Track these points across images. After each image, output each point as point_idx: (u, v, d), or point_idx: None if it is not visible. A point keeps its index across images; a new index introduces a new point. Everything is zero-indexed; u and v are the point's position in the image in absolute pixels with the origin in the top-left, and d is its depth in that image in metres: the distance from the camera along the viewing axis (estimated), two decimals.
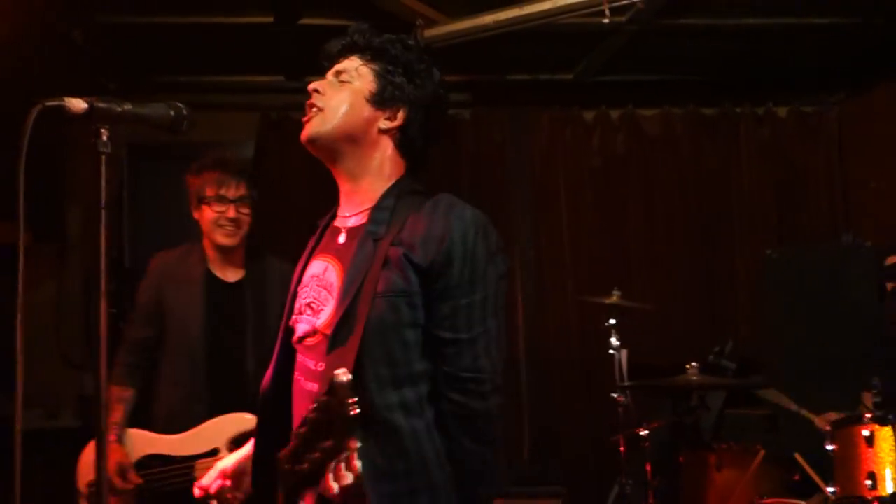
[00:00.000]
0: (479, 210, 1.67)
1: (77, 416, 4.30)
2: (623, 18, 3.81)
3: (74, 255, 4.36)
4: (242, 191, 2.91)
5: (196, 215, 2.97)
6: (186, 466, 2.79)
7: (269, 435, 1.75)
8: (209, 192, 2.90)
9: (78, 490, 2.91)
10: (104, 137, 1.29)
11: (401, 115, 1.73)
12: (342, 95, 1.72)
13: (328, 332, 1.63)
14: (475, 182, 4.79)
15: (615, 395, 3.65)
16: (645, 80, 4.86)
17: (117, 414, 2.90)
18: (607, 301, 3.78)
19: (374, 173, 1.74)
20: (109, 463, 2.76)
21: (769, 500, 3.03)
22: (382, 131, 1.73)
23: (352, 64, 1.74)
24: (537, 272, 4.77)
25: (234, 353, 2.93)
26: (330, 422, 1.17)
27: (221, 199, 2.90)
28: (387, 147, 1.74)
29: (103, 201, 1.27)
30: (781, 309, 4.11)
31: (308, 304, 1.72)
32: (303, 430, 1.46)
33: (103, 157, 1.28)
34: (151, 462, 2.84)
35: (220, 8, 3.86)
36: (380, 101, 1.72)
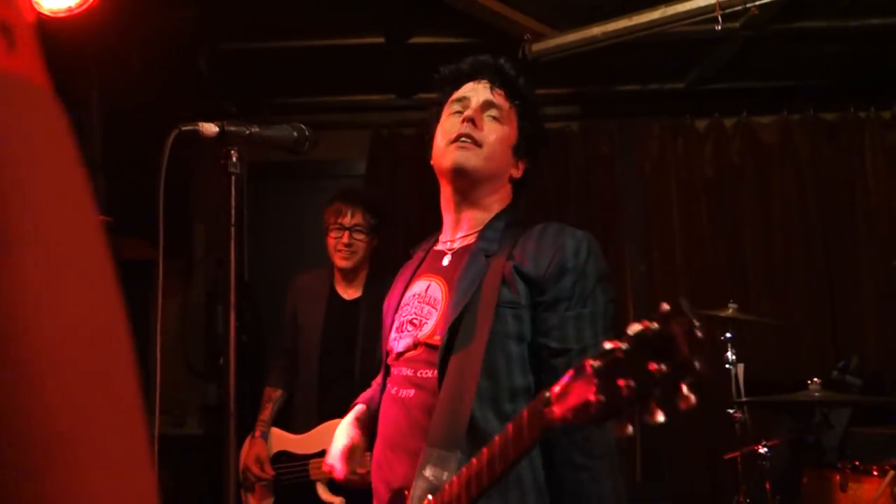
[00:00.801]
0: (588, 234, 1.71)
1: (200, 425, 4.49)
2: (736, 24, 3.72)
3: (199, 271, 4.58)
4: (358, 219, 3.26)
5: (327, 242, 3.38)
6: (303, 464, 3.16)
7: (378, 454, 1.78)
8: (330, 220, 3.29)
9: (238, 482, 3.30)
10: (234, 159, 1.37)
11: (522, 167, 1.82)
12: (499, 136, 1.77)
13: (432, 341, 1.66)
14: (584, 195, 4.76)
15: (731, 411, 3.55)
16: (760, 86, 4.72)
17: (266, 412, 3.35)
18: (722, 314, 3.68)
19: (487, 207, 1.80)
20: (250, 455, 3.26)
21: None
22: (509, 179, 1.81)
23: (503, 102, 1.79)
24: (649, 285, 4.69)
25: (345, 363, 3.25)
26: (669, 343, 0.98)
27: (339, 227, 3.26)
28: (507, 190, 1.83)
29: (234, 220, 1.34)
30: None
31: (409, 322, 1.76)
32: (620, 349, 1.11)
33: (233, 177, 1.36)
34: (281, 457, 3.23)
35: (333, 30, 3.99)
36: (518, 152, 1.80)
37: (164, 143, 1.27)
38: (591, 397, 1.06)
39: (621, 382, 1.02)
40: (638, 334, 1.04)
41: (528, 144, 1.81)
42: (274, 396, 3.38)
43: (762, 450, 3.31)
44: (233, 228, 1.31)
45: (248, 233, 4.64)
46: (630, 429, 1.05)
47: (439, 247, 1.84)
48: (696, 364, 0.97)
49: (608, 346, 1.07)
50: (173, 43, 3.57)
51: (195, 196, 4.39)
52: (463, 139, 1.74)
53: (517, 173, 1.81)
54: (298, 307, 3.38)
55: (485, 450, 1.36)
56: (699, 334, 0.99)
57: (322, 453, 3.02)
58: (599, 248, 1.69)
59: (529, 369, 1.63)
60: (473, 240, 1.76)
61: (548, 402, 1.20)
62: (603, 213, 4.74)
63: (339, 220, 3.25)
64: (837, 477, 3.13)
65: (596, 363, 1.08)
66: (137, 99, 3.42)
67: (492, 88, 1.80)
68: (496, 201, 1.80)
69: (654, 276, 4.70)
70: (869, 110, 4.67)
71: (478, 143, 1.74)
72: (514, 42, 3.78)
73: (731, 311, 3.67)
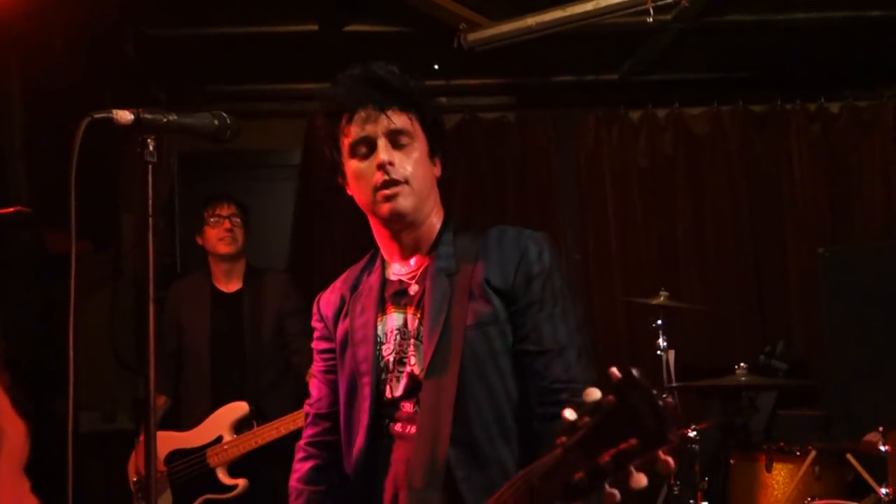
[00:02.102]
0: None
1: (133, 419, 4.41)
2: (668, 17, 3.78)
3: (128, 262, 4.48)
4: (233, 209, 3.55)
5: (199, 240, 3.60)
6: (199, 455, 3.27)
7: (370, 497, 1.70)
8: (207, 215, 3.54)
9: (130, 489, 3.27)
10: (151, 147, 1.34)
11: (439, 162, 1.76)
12: (414, 160, 1.68)
13: (420, 373, 1.63)
14: (520, 185, 4.80)
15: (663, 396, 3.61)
16: (692, 78, 4.81)
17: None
18: (654, 302, 3.75)
19: (429, 220, 1.74)
20: (139, 462, 3.27)
21: (821, 502, 2.97)
22: (436, 175, 1.76)
23: (403, 122, 1.67)
24: (584, 273, 4.76)
25: (236, 353, 3.46)
26: (633, 417, 0.96)
27: (218, 217, 3.52)
28: (436, 194, 1.77)
29: (150, 210, 1.31)
30: (835, 309, 4.03)
31: (398, 361, 1.69)
32: (584, 422, 1.07)
33: (150, 166, 1.33)
34: (175, 456, 3.31)
35: (267, 17, 3.94)
36: (433, 155, 1.74)
37: (76, 132, 1.24)
38: (577, 476, 1.03)
39: (602, 458, 0.99)
40: (598, 406, 1.02)
41: (437, 139, 1.75)
42: (158, 404, 3.44)
43: (692, 433, 3.39)
44: (150, 219, 1.29)
45: (181, 223, 4.56)
46: (618, 496, 1.03)
47: (394, 276, 1.75)
48: (669, 435, 0.96)
49: (572, 416, 1.05)
50: (98, 27, 3.47)
51: (123, 187, 4.29)
52: (387, 185, 1.65)
53: (438, 172, 1.77)
54: (182, 309, 3.55)
55: None
56: (661, 403, 0.96)
57: (219, 440, 3.26)
58: (552, 245, 1.71)
59: (518, 380, 1.64)
60: (426, 262, 1.71)
61: (526, 487, 1.15)
62: (539, 202, 4.78)
63: (217, 212, 3.51)
64: (763, 458, 3.23)
65: (566, 441, 1.05)
66: (60, 84, 3.32)
67: (384, 110, 1.66)
68: (434, 212, 1.75)
69: (589, 265, 4.76)
70: (795, 103, 4.80)
71: (399, 181, 1.66)
72: (449, 31, 3.77)
73: (662, 298, 3.75)
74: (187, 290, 3.61)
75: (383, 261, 1.78)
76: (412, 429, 1.64)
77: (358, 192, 1.71)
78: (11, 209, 2.20)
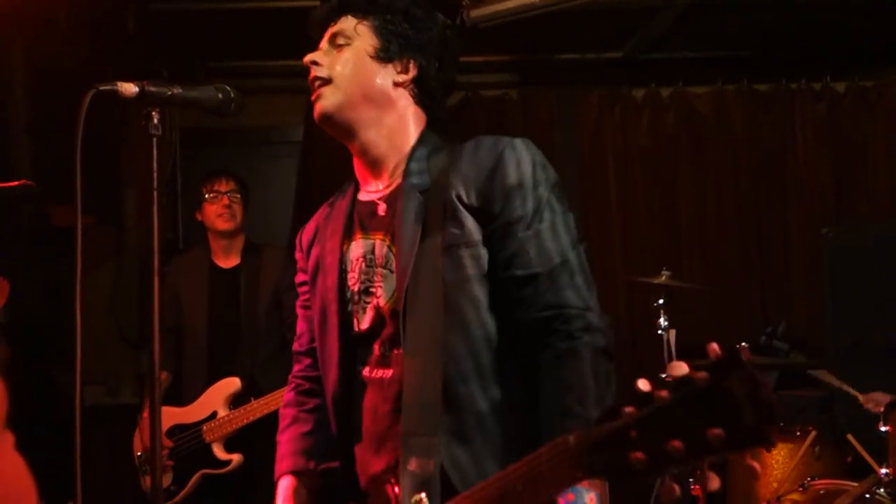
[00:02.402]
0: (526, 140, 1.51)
1: (136, 394, 4.43)
2: None
3: (131, 237, 4.49)
4: (232, 185, 3.50)
5: (199, 216, 3.56)
6: (195, 431, 3.29)
7: (347, 434, 1.57)
8: (204, 191, 3.50)
9: (135, 463, 3.29)
10: (155, 120, 1.33)
11: (412, 65, 1.58)
12: (345, 58, 1.57)
13: (398, 306, 1.46)
14: None
15: (663, 376, 3.62)
16: (696, 56, 4.78)
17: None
18: (656, 281, 3.75)
19: (397, 133, 1.58)
20: (144, 437, 3.33)
21: (821, 482, 2.99)
22: (398, 85, 1.58)
23: (347, 24, 1.59)
24: (586, 253, 4.74)
25: (232, 328, 3.46)
26: (728, 405, 0.79)
27: (216, 193, 3.47)
28: (406, 103, 1.60)
29: (155, 183, 1.31)
30: (838, 289, 4.03)
31: (363, 291, 1.55)
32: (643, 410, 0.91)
33: (154, 139, 1.33)
34: (174, 431, 3.32)
35: None
36: (386, 55, 1.57)
37: (81, 105, 1.23)
38: (635, 456, 0.88)
39: (673, 443, 0.83)
40: (682, 381, 0.86)
41: (401, 42, 1.58)
42: (160, 379, 3.44)
43: None
44: (155, 192, 1.29)
45: (183, 198, 4.55)
46: (678, 490, 0.89)
47: (364, 197, 1.62)
48: (765, 432, 0.79)
49: (645, 386, 0.89)
50: (100, 2, 3.45)
51: (126, 161, 4.29)
52: (312, 84, 1.58)
53: (404, 75, 1.58)
54: (180, 285, 3.54)
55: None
56: (763, 392, 0.79)
57: (213, 415, 3.28)
58: (541, 154, 1.51)
59: (498, 309, 1.45)
60: (403, 177, 1.54)
61: (577, 457, 0.99)
62: None
63: (215, 188, 3.48)
64: None
65: (634, 412, 0.89)
66: (64, 60, 3.31)
67: (335, 22, 1.60)
68: (394, 120, 1.58)
69: (590, 244, 4.73)
70: (800, 82, 4.78)
71: (323, 79, 1.56)
72: (452, 7, 3.74)
73: (664, 277, 3.75)
74: (186, 266, 3.60)
75: (356, 182, 1.66)
76: (384, 373, 1.50)
77: None
78: (16, 183, 2.20)
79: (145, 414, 3.32)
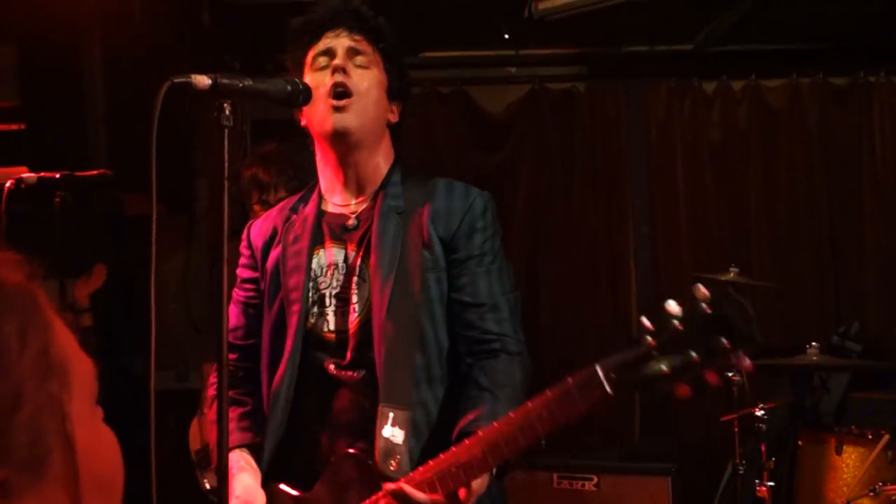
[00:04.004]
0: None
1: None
2: None
3: (201, 227, 4.59)
4: (282, 193, 3.06)
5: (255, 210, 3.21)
6: None
7: (293, 433, 1.69)
8: (253, 193, 3.10)
9: (192, 459, 3.25)
10: (227, 112, 1.36)
11: (396, 110, 1.79)
12: (369, 82, 1.72)
13: (376, 316, 1.63)
14: (590, 157, 4.74)
15: (730, 374, 3.56)
16: (769, 49, 4.67)
17: (211, 389, 3.20)
18: (724, 278, 3.67)
19: (379, 162, 1.76)
20: (206, 434, 3.20)
21: (893, 487, 2.90)
22: (389, 124, 1.78)
23: (366, 47, 1.73)
24: (652, 248, 4.69)
25: None
26: (727, 324, 1.18)
27: (264, 204, 3.06)
28: (388, 140, 1.80)
29: (226, 173, 1.34)
30: None
31: (336, 296, 1.70)
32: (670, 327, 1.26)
33: (226, 130, 1.35)
34: None
35: None
36: (390, 95, 1.76)
37: (157, 96, 1.27)
38: (661, 370, 1.19)
39: (688, 353, 1.17)
40: (689, 314, 1.19)
41: (398, 86, 1.79)
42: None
43: (759, 412, 3.34)
44: (226, 182, 1.32)
45: None
46: (689, 392, 1.21)
47: (334, 209, 1.76)
48: (757, 337, 1.16)
49: (649, 325, 1.20)
50: None
51: (198, 152, 4.38)
52: (337, 89, 1.67)
53: (393, 118, 1.78)
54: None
55: (514, 415, 1.41)
56: (751, 311, 1.17)
57: None
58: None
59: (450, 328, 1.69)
60: (380, 198, 1.72)
61: (606, 373, 1.28)
62: (608, 174, 4.72)
63: (264, 196, 3.11)
64: (833, 440, 3.16)
65: (654, 342, 1.20)
66: (140, 52, 3.40)
67: (351, 35, 1.73)
68: (382, 152, 1.77)
69: (657, 239, 4.69)
70: (879, 74, 4.61)
71: (350, 92, 1.68)
72: (519, 0, 3.73)
73: (732, 275, 3.67)
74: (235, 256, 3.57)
75: (321, 193, 1.79)
76: (356, 374, 1.66)
77: (311, 108, 1.70)
78: (94, 172, 2.27)
79: (205, 410, 3.32)
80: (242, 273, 1.86)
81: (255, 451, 1.81)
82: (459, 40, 4.55)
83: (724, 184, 4.66)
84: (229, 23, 4.15)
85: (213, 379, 1.83)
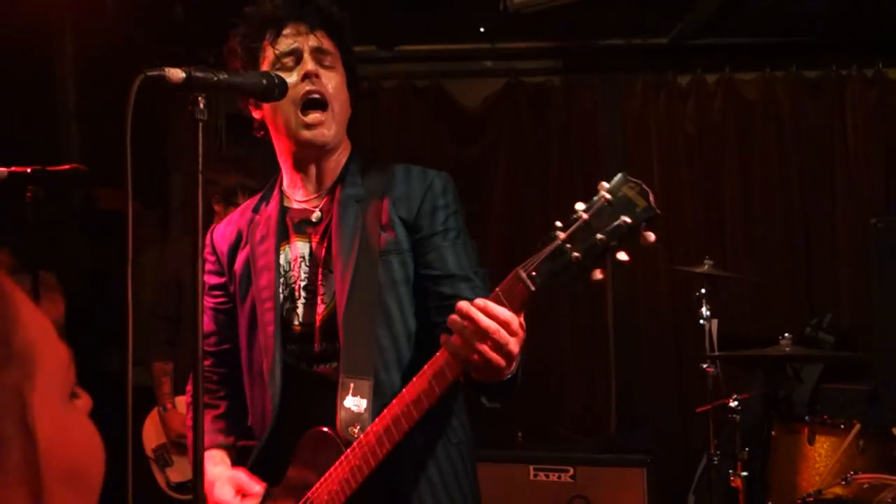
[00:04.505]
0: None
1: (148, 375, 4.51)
2: None
3: (176, 221, 4.55)
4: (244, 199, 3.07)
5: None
6: None
7: (276, 431, 1.70)
8: (227, 196, 3.16)
9: (146, 455, 3.24)
10: (201, 105, 1.35)
11: (351, 99, 1.77)
12: (336, 83, 1.70)
13: (339, 304, 1.63)
14: (565, 150, 4.75)
15: (704, 366, 3.60)
16: (743, 42, 4.70)
17: (166, 386, 3.40)
18: (699, 270, 3.71)
19: (341, 155, 1.77)
20: (172, 429, 3.31)
21: (864, 476, 2.94)
22: (351, 107, 1.77)
23: (329, 45, 1.71)
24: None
25: None
26: (626, 204, 1.27)
27: (235, 205, 3.06)
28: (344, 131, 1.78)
29: (200, 167, 1.33)
30: (886, 281, 3.94)
31: (304, 288, 1.70)
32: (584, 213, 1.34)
33: (200, 124, 1.34)
34: None
35: None
36: (351, 90, 1.75)
37: (130, 89, 1.25)
38: (573, 255, 1.26)
39: (596, 237, 1.25)
40: (593, 204, 1.28)
41: (354, 78, 1.77)
42: (168, 370, 3.41)
43: (733, 403, 3.37)
44: (200, 176, 1.31)
45: None
46: (603, 273, 1.28)
47: (296, 205, 1.77)
48: (655, 208, 1.25)
49: (559, 224, 1.30)
50: None
51: (172, 145, 4.35)
52: (312, 96, 1.66)
53: (351, 109, 1.78)
54: (182, 271, 3.34)
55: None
56: (647, 188, 1.27)
57: None
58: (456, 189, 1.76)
59: (417, 306, 1.68)
60: (339, 189, 1.72)
61: (527, 272, 1.33)
62: (583, 167, 4.74)
63: (236, 199, 3.14)
64: (805, 430, 3.20)
65: (563, 232, 1.29)
66: (112, 46, 3.36)
67: (314, 32, 1.69)
68: (342, 146, 1.77)
69: None
70: (851, 68, 4.66)
71: (325, 102, 1.68)
72: None
73: (706, 267, 3.71)
74: (186, 251, 3.51)
75: (282, 190, 1.80)
76: (327, 368, 1.66)
77: (275, 110, 1.69)
78: (67, 167, 2.25)
79: (167, 406, 3.36)
80: (209, 280, 1.83)
81: (229, 450, 1.84)
82: (435, 34, 4.54)
83: (699, 177, 4.69)
84: (202, 15, 4.11)
85: (188, 387, 1.84)
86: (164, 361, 3.43)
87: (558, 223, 1.30)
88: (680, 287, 4.39)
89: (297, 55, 1.68)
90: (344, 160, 1.77)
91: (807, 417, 3.29)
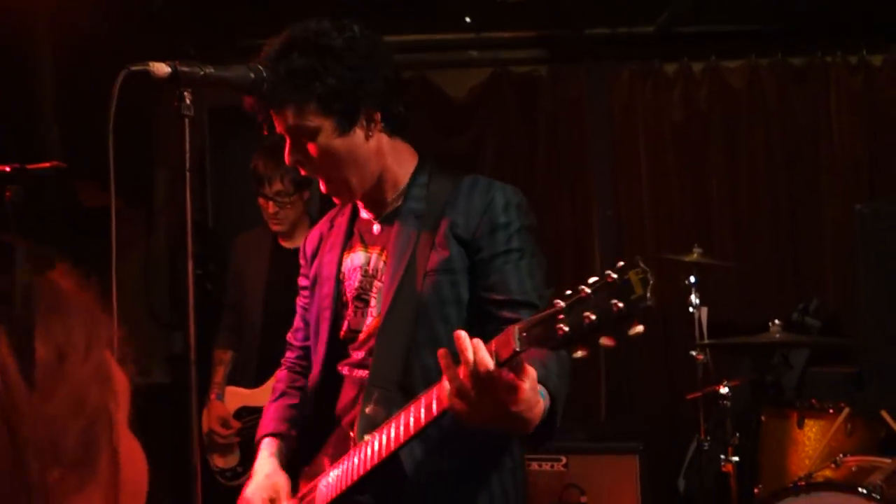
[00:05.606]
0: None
1: (167, 373, 4.47)
2: None
3: (161, 218, 4.50)
4: (278, 186, 3.17)
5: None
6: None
7: (317, 429, 1.80)
8: (254, 184, 3.22)
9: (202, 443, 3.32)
10: (187, 101, 1.32)
11: (372, 112, 1.65)
12: (320, 155, 1.63)
13: (383, 315, 1.66)
14: (552, 140, 4.74)
15: (694, 353, 3.61)
16: (729, 29, 4.69)
17: (219, 375, 3.40)
18: (687, 258, 3.71)
19: (387, 171, 1.71)
20: (212, 417, 3.29)
21: (853, 458, 2.96)
22: (370, 137, 1.66)
23: (296, 120, 1.61)
24: (616, 230, 4.72)
25: (293, 310, 3.22)
26: (624, 289, 1.20)
27: (263, 196, 3.21)
28: (385, 141, 1.70)
29: (188, 164, 1.30)
30: (871, 266, 3.96)
31: (357, 297, 1.74)
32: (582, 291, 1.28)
33: (186, 120, 1.31)
34: (242, 413, 3.28)
35: None
36: (348, 126, 1.62)
37: (113, 85, 1.22)
38: (559, 327, 1.21)
39: (586, 315, 1.20)
40: (598, 282, 1.22)
41: (350, 105, 1.61)
42: (225, 358, 3.42)
43: (723, 390, 3.38)
44: (188, 174, 1.28)
45: (211, 179, 4.56)
46: (586, 353, 1.24)
47: (364, 215, 1.79)
48: (649, 300, 1.19)
49: (569, 292, 1.23)
50: None
51: (156, 141, 4.29)
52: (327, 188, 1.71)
53: (371, 129, 1.65)
54: (243, 264, 3.42)
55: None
56: (651, 279, 1.21)
57: None
58: (527, 202, 1.70)
59: (473, 329, 1.60)
60: (402, 201, 1.71)
61: (519, 332, 1.28)
62: (571, 157, 4.72)
63: (262, 189, 3.20)
64: (794, 415, 3.22)
65: (563, 302, 1.23)
66: (90, 39, 3.31)
67: (283, 113, 1.62)
68: (391, 164, 1.71)
69: (620, 221, 4.72)
70: (836, 54, 4.67)
71: (330, 180, 1.69)
72: None
73: (695, 255, 3.71)
74: (249, 244, 3.46)
75: (354, 203, 1.83)
76: (363, 373, 1.69)
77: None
78: (47, 164, 2.21)
79: (212, 395, 3.36)
80: (300, 281, 1.94)
81: (287, 440, 1.92)
82: (420, 24, 4.51)
83: (686, 165, 4.69)
84: (182, 6, 4.06)
85: (279, 375, 1.99)
86: (223, 349, 3.43)
87: (568, 291, 1.25)
88: (669, 276, 4.39)
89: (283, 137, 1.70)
90: (408, 172, 1.73)
91: (796, 402, 3.31)
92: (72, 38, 3.44)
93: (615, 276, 1.21)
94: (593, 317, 1.19)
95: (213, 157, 4.59)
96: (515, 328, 1.30)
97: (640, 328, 1.20)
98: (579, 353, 1.23)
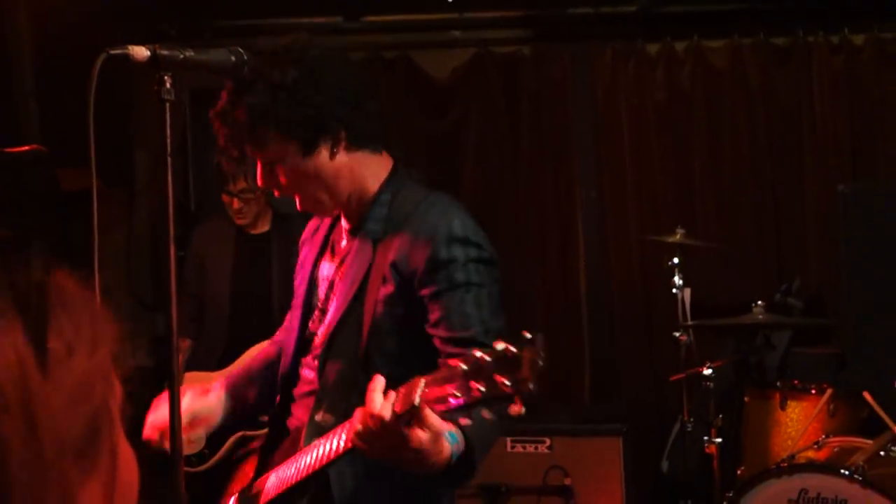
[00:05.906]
0: (470, 218, 1.66)
1: (150, 356, 4.45)
2: None
3: (142, 200, 4.47)
4: (243, 184, 3.22)
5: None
6: None
7: (284, 407, 1.83)
8: (219, 183, 3.30)
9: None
10: (167, 85, 1.30)
11: (337, 129, 1.64)
12: (289, 178, 1.66)
13: (328, 333, 1.71)
14: (535, 120, 4.73)
15: (677, 335, 3.62)
16: (712, 9, 4.68)
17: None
18: (670, 240, 3.72)
19: (355, 188, 1.71)
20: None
21: (836, 439, 2.99)
22: (335, 155, 1.65)
23: (256, 150, 1.66)
24: (599, 211, 4.72)
25: (260, 295, 3.35)
26: (515, 366, 1.19)
27: (228, 193, 3.27)
28: (352, 159, 1.68)
29: (169, 148, 1.29)
30: (853, 247, 3.98)
31: (321, 307, 1.79)
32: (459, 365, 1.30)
33: (167, 104, 1.30)
34: None
35: None
36: (312, 146, 1.63)
37: (92, 69, 1.20)
38: (452, 392, 1.23)
39: (473, 385, 1.21)
40: (499, 351, 1.22)
41: (312, 125, 1.61)
42: (183, 347, 3.43)
43: (706, 371, 3.40)
44: (169, 158, 1.26)
45: (193, 161, 4.52)
46: (468, 421, 1.29)
47: (343, 224, 1.81)
48: (531, 385, 1.19)
49: (478, 353, 1.23)
50: None
51: (136, 123, 4.25)
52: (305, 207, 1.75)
53: (336, 146, 1.65)
54: (205, 250, 3.43)
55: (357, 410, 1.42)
56: (540, 363, 1.20)
57: None
58: (480, 231, 1.65)
59: (412, 360, 1.58)
60: (364, 221, 1.72)
61: (422, 388, 1.29)
62: (554, 138, 4.72)
63: (226, 187, 3.28)
64: (777, 396, 3.24)
65: (463, 365, 1.24)
66: (69, 21, 3.26)
67: (241, 147, 1.68)
68: (355, 176, 1.69)
69: (604, 202, 4.72)
70: (818, 34, 4.67)
71: (292, 197, 1.73)
72: None
73: (678, 236, 3.72)
74: (212, 230, 3.51)
75: None
76: (311, 374, 1.75)
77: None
78: (27, 148, 2.18)
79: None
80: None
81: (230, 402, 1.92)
82: (402, 4, 4.48)
83: (669, 145, 4.70)
84: None
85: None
86: (181, 338, 3.43)
87: (478, 353, 1.24)
88: (652, 257, 4.41)
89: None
90: (374, 186, 1.70)
91: (779, 383, 3.33)
92: (51, 21, 3.39)
93: (514, 349, 1.21)
94: (482, 388, 1.20)
95: (195, 138, 4.55)
96: (421, 381, 1.30)
97: (519, 410, 1.21)
98: (463, 422, 1.28)
